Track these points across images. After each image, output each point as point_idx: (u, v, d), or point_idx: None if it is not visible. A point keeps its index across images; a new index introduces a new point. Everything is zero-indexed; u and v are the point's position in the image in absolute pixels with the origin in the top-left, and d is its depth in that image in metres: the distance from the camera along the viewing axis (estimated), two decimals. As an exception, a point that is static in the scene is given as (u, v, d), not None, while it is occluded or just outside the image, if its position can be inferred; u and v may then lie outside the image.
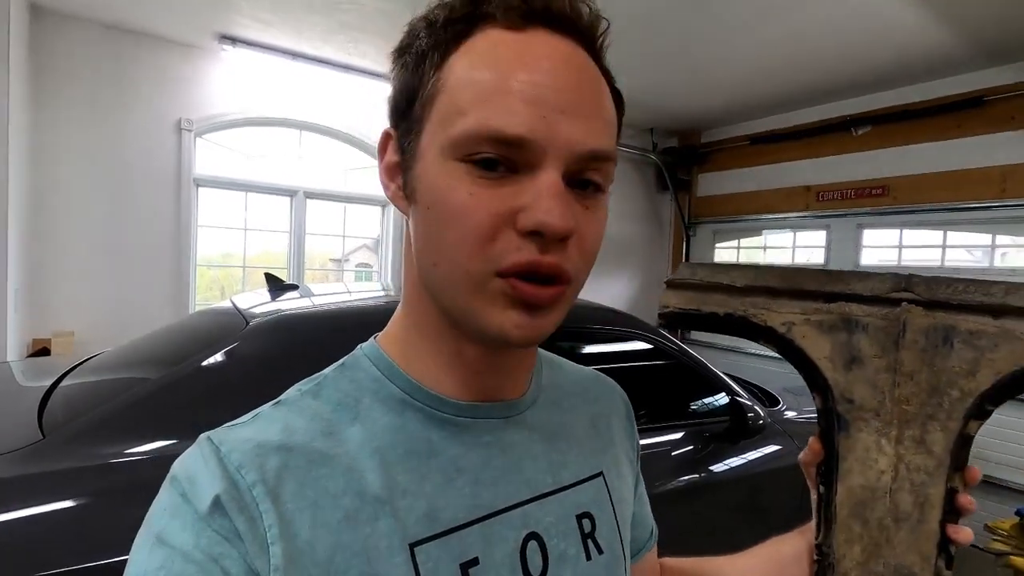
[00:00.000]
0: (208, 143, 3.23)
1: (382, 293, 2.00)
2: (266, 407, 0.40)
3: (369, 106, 3.55)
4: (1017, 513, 2.38)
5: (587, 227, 0.37)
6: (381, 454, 0.39)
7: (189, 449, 0.37)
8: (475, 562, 0.38)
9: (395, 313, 0.46)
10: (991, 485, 3.11)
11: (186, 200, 3.09)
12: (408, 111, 0.39)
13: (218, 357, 1.25)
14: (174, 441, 1.09)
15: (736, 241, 4.63)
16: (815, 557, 0.43)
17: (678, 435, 1.79)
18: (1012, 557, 2.30)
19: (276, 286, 1.88)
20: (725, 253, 4.70)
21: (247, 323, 1.35)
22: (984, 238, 3.26)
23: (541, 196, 0.34)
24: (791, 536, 0.53)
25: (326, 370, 0.44)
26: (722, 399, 1.96)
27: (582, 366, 0.58)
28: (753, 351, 4.27)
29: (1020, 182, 3.02)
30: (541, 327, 0.37)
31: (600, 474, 0.49)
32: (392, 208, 3.74)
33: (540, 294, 0.36)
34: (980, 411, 0.41)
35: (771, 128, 4.19)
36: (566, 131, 0.35)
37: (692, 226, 4.84)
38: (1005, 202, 3.07)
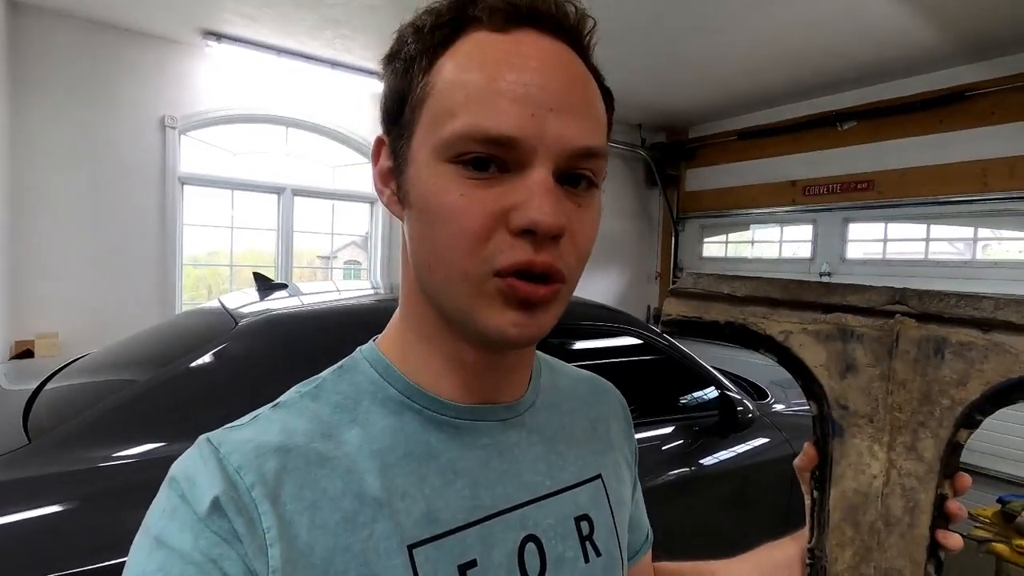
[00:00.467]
0: (193, 140, 3.19)
1: (371, 291, 2.00)
2: (265, 409, 0.40)
3: (356, 102, 3.53)
4: (999, 501, 2.43)
5: (579, 225, 0.38)
6: (380, 456, 0.39)
7: (188, 450, 0.37)
8: (473, 564, 0.38)
9: (393, 316, 0.46)
10: (973, 474, 3.16)
11: (171, 198, 3.05)
12: (399, 116, 0.40)
13: (207, 358, 1.24)
14: (163, 444, 1.08)
15: (724, 236, 4.67)
16: (807, 561, 0.44)
17: (668, 429, 1.80)
18: (994, 544, 2.34)
19: (265, 285, 1.87)
20: (713, 248, 4.73)
21: (236, 323, 1.34)
22: (966, 231, 3.31)
23: (533, 194, 0.35)
24: (784, 542, 0.54)
25: (324, 372, 0.44)
26: (711, 393, 1.97)
27: (581, 369, 0.58)
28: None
29: (1001, 176, 3.07)
30: (539, 325, 0.37)
31: (598, 476, 0.49)
32: (381, 205, 3.73)
33: (536, 292, 0.36)
34: (970, 420, 0.42)
35: (758, 123, 4.23)
36: (555, 129, 0.35)
37: (680, 221, 4.87)
38: (986, 196, 3.12)
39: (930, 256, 3.41)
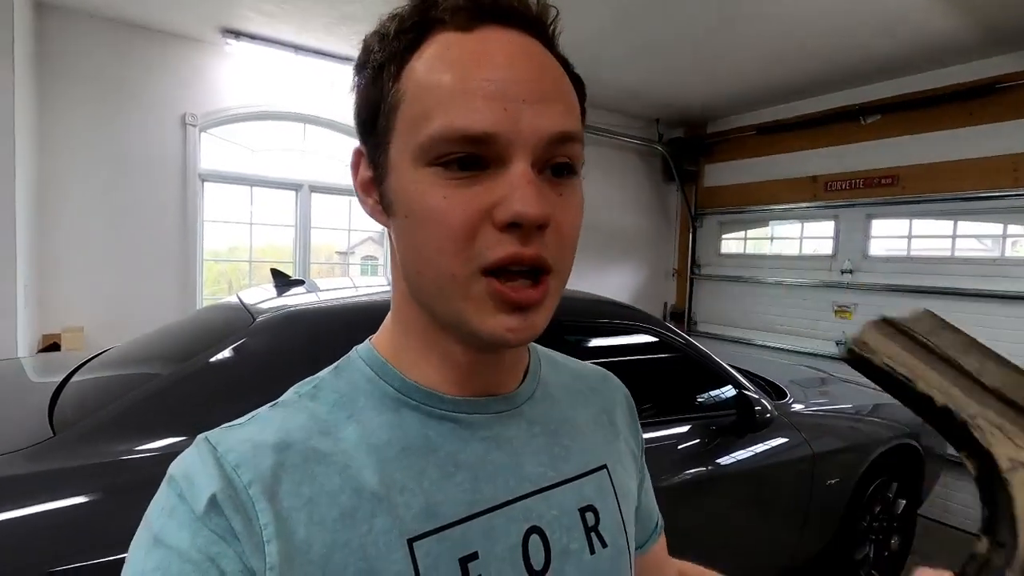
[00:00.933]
0: (213, 138, 3.23)
1: (387, 287, 2.00)
2: (264, 408, 0.41)
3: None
4: None
5: (562, 214, 0.38)
6: (378, 451, 0.39)
7: (187, 450, 0.38)
8: (475, 556, 0.38)
9: (386, 318, 0.47)
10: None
11: (192, 195, 3.09)
12: (373, 125, 0.40)
13: (226, 353, 1.26)
14: (184, 438, 1.10)
15: (743, 232, 4.60)
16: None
17: (684, 428, 1.79)
18: (1021, 549, 2.28)
19: (282, 281, 1.88)
20: (732, 244, 4.67)
21: (254, 319, 1.36)
22: (995, 227, 3.22)
23: (514, 187, 0.35)
24: None
25: (322, 372, 0.44)
26: (729, 392, 1.95)
27: (584, 362, 0.58)
28: (760, 343, 4.25)
29: (1033, 171, 2.98)
30: (534, 326, 0.38)
31: (604, 467, 0.49)
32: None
33: (529, 296, 0.36)
34: None
35: (778, 118, 4.15)
36: (530, 120, 0.35)
37: (699, 217, 4.82)
38: (1018, 191, 3.03)
39: (957, 253, 3.32)
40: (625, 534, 0.48)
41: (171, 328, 1.68)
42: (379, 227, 4.06)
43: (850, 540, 2.25)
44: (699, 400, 1.94)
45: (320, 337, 1.33)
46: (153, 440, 1.09)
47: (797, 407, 2.18)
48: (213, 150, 3.23)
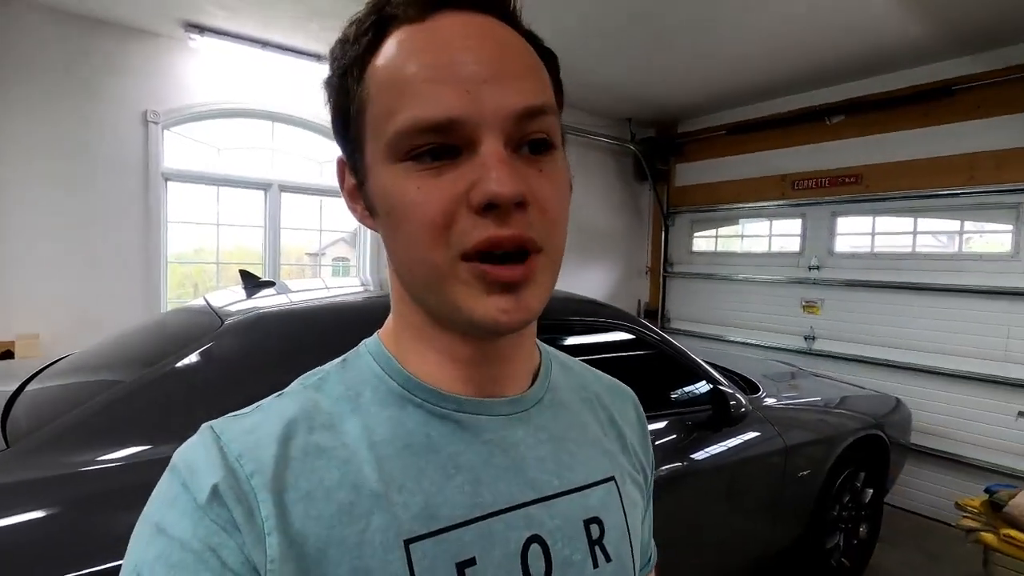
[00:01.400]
0: (177, 136, 3.13)
1: (360, 288, 1.97)
2: (268, 399, 0.41)
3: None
4: (986, 491, 2.46)
5: (543, 190, 0.37)
6: (379, 448, 0.38)
7: (191, 438, 0.38)
8: (472, 562, 0.37)
9: (389, 315, 0.46)
10: (960, 464, 3.22)
11: (155, 195, 2.99)
12: (347, 131, 0.40)
13: (193, 358, 1.21)
14: (148, 446, 1.05)
15: (714, 230, 4.68)
16: None
17: (661, 424, 1.80)
18: (982, 533, 2.37)
19: (251, 283, 1.83)
20: (703, 242, 4.74)
21: (222, 322, 1.31)
22: (953, 224, 3.34)
23: (486, 168, 0.34)
24: None
25: (328, 364, 0.44)
26: (703, 387, 1.98)
27: (597, 370, 0.57)
28: (731, 339, 4.33)
29: (987, 169, 3.10)
30: (527, 305, 0.37)
31: (611, 479, 0.47)
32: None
33: (511, 273, 0.35)
34: None
35: (747, 118, 4.23)
36: (494, 98, 0.35)
37: (671, 216, 4.88)
38: (972, 189, 3.15)
39: (918, 249, 3.44)
40: (631, 549, 0.46)
41: (134, 332, 1.61)
42: (351, 228, 4.01)
43: (821, 530, 2.30)
44: (675, 396, 1.96)
45: (292, 339, 1.30)
46: (116, 449, 1.04)
47: (769, 401, 2.22)
48: (177, 149, 3.13)
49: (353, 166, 0.41)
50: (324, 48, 3.21)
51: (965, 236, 3.30)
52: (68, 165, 2.76)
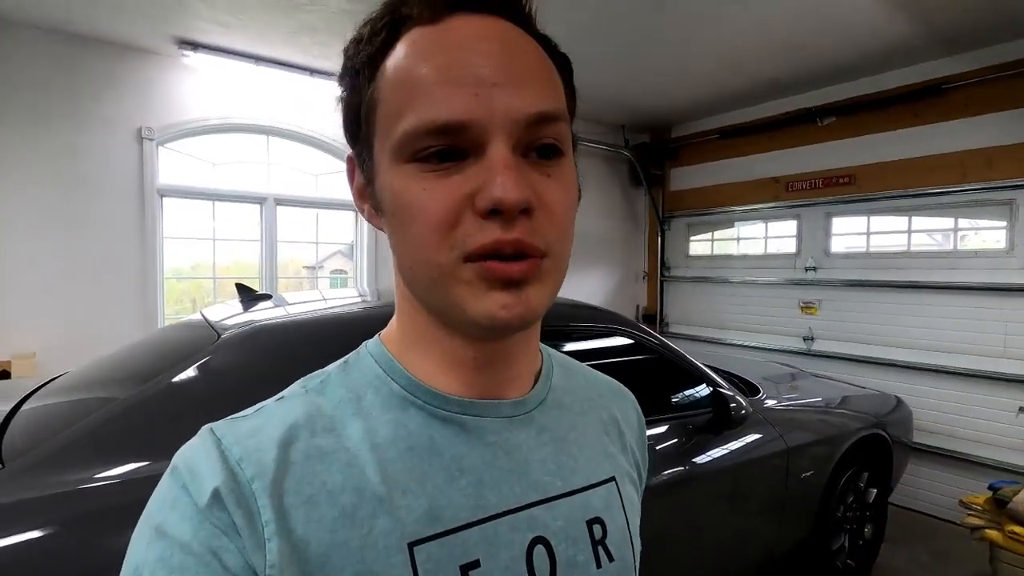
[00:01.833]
0: (172, 152, 3.13)
1: (358, 299, 1.96)
2: (270, 402, 0.41)
3: (337, 109, 3.48)
4: (990, 488, 2.46)
5: (551, 195, 0.37)
6: (381, 451, 0.38)
7: (191, 440, 0.38)
8: (476, 564, 0.37)
9: (392, 318, 0.46)
10: (964, 462, 3.21)
11: (150, 211, 2.99)
12: (358, 131, 0.40)
13: (189, 372, 1.21)
14: (146, 463, 1.04)
15: (710, 234, 4.69)
16: None
17: (663, 428, 1.80)
18: (987, 531, 2.36)
19: (248, 296, 1.83)
20: (699, 246, 4.75)
21: (218, 336, 1.31)
22: (947, 222, 3.36)
23: (492, 172, 0.34)
24: None
25: (330, 367, 0.44)
26: (704, 391, 1.97)
27: (596, 371, 0.57)
28: (730, 341, 4.33)
29: (978, 167, 3.12)
30: (527, 303, 0.36)
31: (612, 479, 0.47)
32: (365, 212, 3.68)
33: (509, 269, 0.35)
34: None
35: (739, 121, 4.26)
36: (503, 102, 0.35)
37: (667, 220, 4.89)
38: (965, 187, 3.17)
39: (913, 248, 3.45)
40: (632, 548, 0.47)
41: (130, 349, 1.61)
42: (348, 240, 4.01)
43: (825, 531, 2.29)
44: (675, 400, 1.96)
45: (289, 352, 1.29)
46: (113, 467, 1.03)
47: (770, 403, 2.22)
48: (172, 164, 3.13)
49: (362, 164, 0.41)
50: (316, 62, 3.24)
51: (960, 234, 3.32)
52: (63, 183, 2.76)
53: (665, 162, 4.85)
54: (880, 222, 3.61)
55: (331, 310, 1.61)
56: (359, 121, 0.39)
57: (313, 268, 4.00)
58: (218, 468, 0.35)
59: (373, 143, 0.39)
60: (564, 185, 0.38)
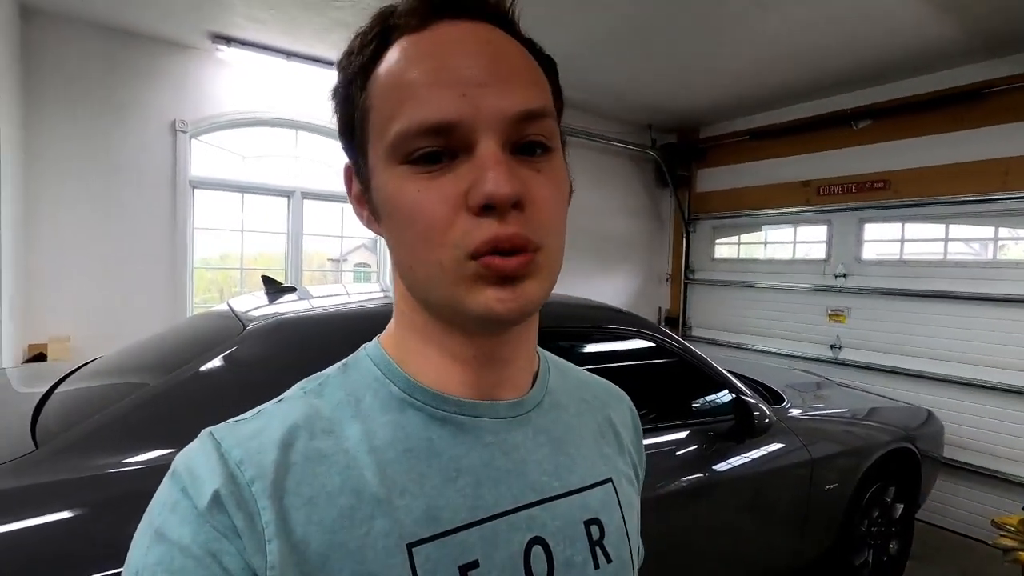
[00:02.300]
0: (204, 144, 3.20)
1: (381, 294, 1.98)
2: (269, 404, 0.41)
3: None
4: (1024, 508, 2.36)
5: (540, 190, 0.37)
6: (380, 453, 0.39)
7: (191, 444, 0.38)
8: (475, 565, 0.38)
9: (391, 319, 0.47)
10: (997, 480, 3.10)
11: (182, 202, 3.06)
12: (352, 138, 0.41)
13: (216, 362, 1.23)
14: (173, 449, 1.07)
15: (736, 237, 4.61)
16: None
17: (682, 434, 1.77)
18: (1019, 553, 2.28)
19: (273, 288, 1.86)
20: (725, 249, 4.68)
21: (244, 327, 1.33)
22: (986, 231, 3.24)
23: (483, 169, 0.35)
24: None
25: (328, 369, 0.45)
26: (726, 397, 1.94)
27: (592, 374, 0.58)
28: (754, 347, 4.25)
29: (1021, 174, 3.00)
30: (524, 296, 0.37)
31: (609, 480, 0.48)
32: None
33: (506, 265, 0.36)
34: None
35: (770, 123, 4.17)
36: (491, 102, 0.36)
37: (692, 222, 4.82)
38: (1007, 195, 3.05)
39: (949, 257, 3.34)
40: (629, 549, 0.47)
41: (159, 337, 1.64)
42: (372, 234, 4.02)
43: (849, 545, 2.23)
44: (696, 406, 1.93)
45: (312, 345, 1.31)
46: (141, 452, 1.06)
47: (794, 412, 2.17)
48: (204, 157, 3.20)
49: (358, 172, 0.42)
50: (347, 57, 3.26)
51: (1000, 243, 3.20)
52: (99, 174, 2.84)
53: (692, 163, 4.78)
54: (915, 229, 3.50)
55: (354, 305, 1.63)
56: (353, 129, 0.41)
57: (337, 261, 4.05)
58: (218, 471, 0.35)
59: (367, 149, 0.40)
60: (554, 180, 0.39)
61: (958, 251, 3.35)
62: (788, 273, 4.14)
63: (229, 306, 1.59)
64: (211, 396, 1.18)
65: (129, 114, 2.89)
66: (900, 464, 2.42)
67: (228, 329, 1.35)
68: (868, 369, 3.60)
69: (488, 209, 0.35)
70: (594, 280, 4.53)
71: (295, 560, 0.34)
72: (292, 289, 1.87)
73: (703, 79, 3.59)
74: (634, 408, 0.58)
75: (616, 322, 1.85)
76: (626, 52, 3.12)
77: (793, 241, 4.20)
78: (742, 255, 4.56)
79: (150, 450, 1.06)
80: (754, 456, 1.86)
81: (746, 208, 4.41)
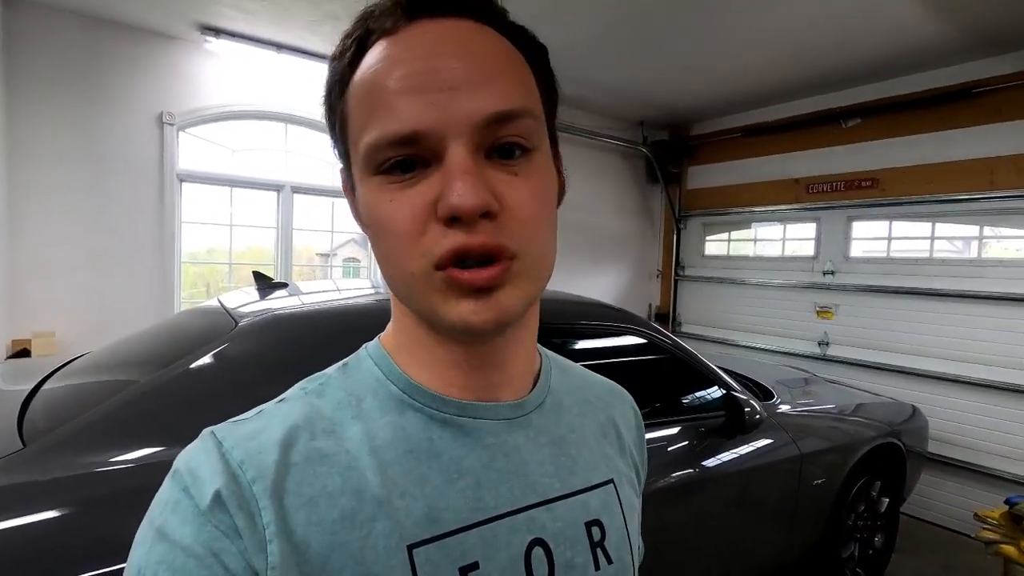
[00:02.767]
0: (191, 137, 3.15)
1: (371, 290, 1.97)
2: (270, 404, 0.41)
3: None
4: (1007, 502, 2.41)
5: (517, 195, 0.36)
6: (380, 454, 0.38)
7: (192, 443, 0.38)
8: (475, 566, 0.38)
9: (391, 318, 0.47)
10: (980, 474, 3.16)
11: (169, 196, 3.02)
12: (338, 146, 0.41)
13: (207, 359, 1.22)
14: (163, 447, 1.05)
15: (726, 234, 4.64)
16: None
17: (674, 431, 1.78)
18: (1001, 545, 2.33)
19: (264, 284, 1.84)
20: (715, 246, 4.70)
21: (236, 323, 1.32)
22: (971, 230, 3.28)
23: (450, 179, 0.34)
24: None
25: (329, 369, 0.44)
26: (716, 393, 1.95)
27: (595, 373, 0.57)
28: (743, 343, 4.29)
29: (1007, 174, 3.04)
30: (499, 307, 0.36)
31: (610, 481, 0.48)
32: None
33: (475, 277, 0.35)
34: None
35: (761, 121, 4.20)
36: (460, 107, 0.34)
37: (683, 219, 4.85)
38: (992, 194, 3.09)
39: (935, 255, 3.39)
40: (630, 550, 0.47)
41: (148, 333, 1.62)
42: (364, 233, 3.99)
43: (836, 538, 2.27)
44: (687, 402, 1.94)
45: (304, 342, 1.30)
46: (130, 450, 1.04)
47: (784, 408, 2.19)
48: (191, 150, 3.15)
49: (348, 177, 0.42)
50: (338, 50, 3.22)
51: (983, 241, 3.24)
52: (84, 166, 2.79)
53: (683, 160, 4.80)
54: (902, 227, 3.55)
55: (346, 301, 1.62)
56: (338, 137, 0.41)
57: (327, 256, 4.02)
58: (219, 471, 0.35)
59: (350, 158, 0.40)
60: (533, 182, 0.37)
61: (944, 249, 3.40)
62: (777, 270, 4.18)
63: (220, 302, 1.58)
64: (202, 394, 1.16)
65: (115, 105, 2.84)
66: (886, 459, 2.45)
67: (220, 325, 1.34)
68: (855, 365, 3.65)
69: (456, 220, 0.34)
70: (584, 276, 4.54)
71: (296, 560, 0.34)
72: (283, 285, 1.86)
73: (695, 76, 3.60)
74: (637, 407, 0.58)
75: (606, 318, 1.86)
76: (619, 49, 3.11)
77: (782, 238, 4.24)
78: (732, 252, 4.60)
79: (140, 448, 1.05)
80: (744, 452, 1.88)
81: (736, 205, 4.44)
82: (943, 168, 3.28)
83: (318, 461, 0.37)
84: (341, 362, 0.45)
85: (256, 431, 0.38)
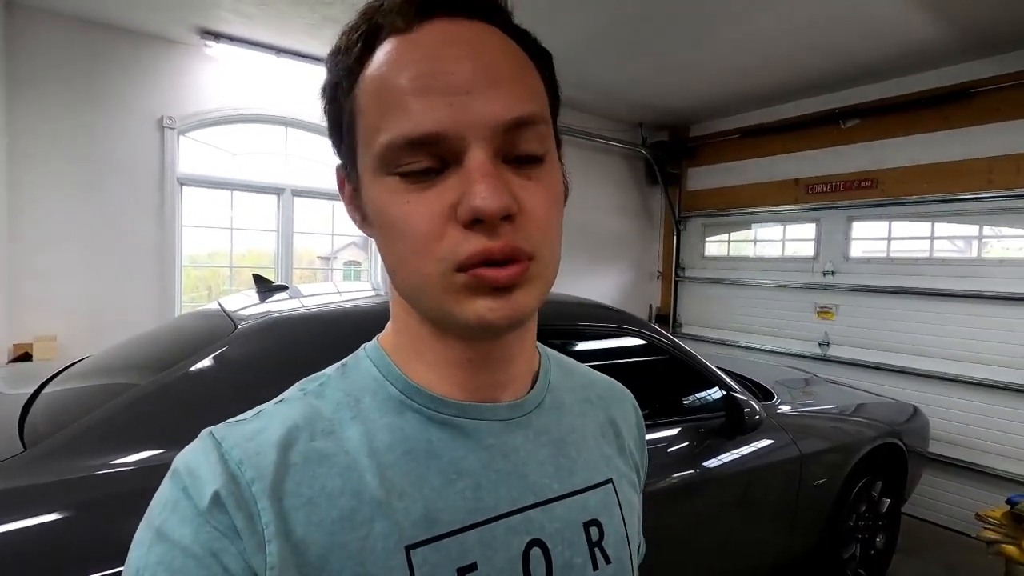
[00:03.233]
0: (192, 141, 3.16)
1: (372, 292, 1.97)
2: (268, 405, 0.41)
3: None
4: (1008, 502, 2.41)
5: (533, 198, 0.37)
6: (379, 455, 0.39)
7: (191, 443, 0.38)
8: (473, 567, 0.38)
9: (389, 320, 0.46)
10: (981, 474, 3.15)
11: (170, 199, 3.03)
12: (342, 143, 0.40)
13: (207, 362, 1.22)
14: (163, 450, 1.06)
15: (726, 235, 4.64)
16: None
17: (673, 431, 1.78)
18: (1003, 545, 2.32)
19: (265, 287, 1.84)
20: (715, 247, 4.71)
21: (235, 326, 1.32)
22: (971, 229, 3.28)
23: (472, 182, 0.34)
24: None
25: (328, 369, 0.44)
26: (716, 394, 1.95)
27: (595, 371, 0.57)
28: (743, 344, 4.29)
29: (1006, 173, 3.04)
30: (516, 305, 0.36)
31: (609, 481, 0.48)
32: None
33: (499, 275, 0.35)
34: None
35: (760, 122, 4.20)
36: (479, 110, 0.34)
37: (682, 220, 4.85)
38: (991, 193, 3.09)
39: (935, 255, 3.39)
40: (629, 550, 0.47)
41: (149, 336, 1.63)
42: (362, 232, 4.00)
43: (837, 539, 2.26)
44: (687, 403, 1.94)
45: (304, 344, 1.30)
46: (131, 453, 1.05)
47: (784, 408, 2.19)
48: (192, 154, 3.16)
49: (349, 175, 0.41)
50: (337, 54, 3.23)
51: (984, 241, 3.24)
52: (85, 170, 2.80)
53: (683, 161, 4.80)
54: (902, 227, 3.55)
55: (346, 303, 1.62)
56: (342, 132, 0.40)
57: (327, 259, 4.03)
58: (218, 471, 0.35)
59: (356, 155, 0.39)
60: (547, 187, 0.38)
61: (943, 249, 3.40)
62: (777, 271, 4.18)
63: (220, 305, 1.58)
64: (202, 396, 1.17)
65: (116, 110, 2.85)
66: (887, 459, 2.45)
67: (219, 328, 1.34)
68: (856, 365, 3.65)
69: (477, 222, 0.34)
70: (585, 277, 4.55)
71: (295, 561, 0.34)
72: (283, 288, 1.86)
73: (694, 78, 3.61)
74: (638, 407, 0.58)
75: (606, 319, 1.86)
76: (617, 50, 3.12)
77: (782, 239, 4.24)
78: (732, 253, 4.60)
79: (140, 451, 1.05)
80: (744, 452, 1.88)
81: (736, 206, 4.44)
82: (942, 168, 3.28)
83: (317, 462, 0.37)
84: (340, 362, 0.45)
85: (255, 432, 0.38)
